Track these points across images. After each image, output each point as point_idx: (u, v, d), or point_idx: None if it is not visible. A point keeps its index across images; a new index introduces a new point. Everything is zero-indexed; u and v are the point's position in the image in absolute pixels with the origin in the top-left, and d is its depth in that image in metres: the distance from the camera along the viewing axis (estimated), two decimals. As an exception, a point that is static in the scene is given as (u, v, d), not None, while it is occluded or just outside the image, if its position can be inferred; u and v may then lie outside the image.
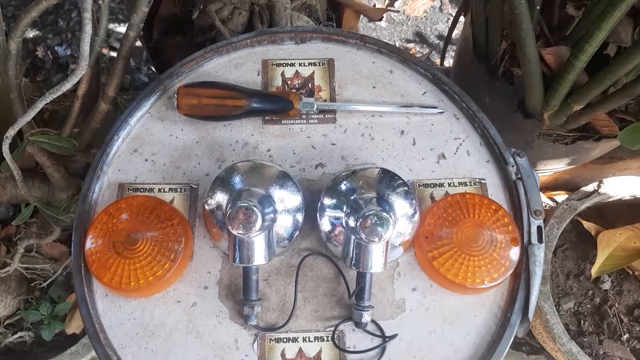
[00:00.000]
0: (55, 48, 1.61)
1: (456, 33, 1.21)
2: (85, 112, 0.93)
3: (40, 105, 0.64)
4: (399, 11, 1.54)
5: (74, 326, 0.90)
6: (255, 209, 0.48)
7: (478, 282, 0.52)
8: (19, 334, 0.90)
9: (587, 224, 0.96)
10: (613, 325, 0.93)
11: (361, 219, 0.48)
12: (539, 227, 0.56)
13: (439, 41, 1.57)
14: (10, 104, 0.81)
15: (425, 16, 1.59)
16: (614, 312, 0.94)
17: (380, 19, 1.58)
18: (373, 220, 0.48)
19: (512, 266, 0.52)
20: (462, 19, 0.96)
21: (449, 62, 1.42)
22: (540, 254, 0.55)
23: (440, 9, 1.60)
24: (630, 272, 0.95)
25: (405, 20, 1.59)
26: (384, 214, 0.48)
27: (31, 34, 1.62)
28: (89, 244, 0.53)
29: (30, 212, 0.67)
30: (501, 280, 0.52)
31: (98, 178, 0.58)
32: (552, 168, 0.95)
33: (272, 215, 0.52)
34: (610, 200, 0.97)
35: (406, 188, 0.54)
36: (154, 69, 0.95)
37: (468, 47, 0.88)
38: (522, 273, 0.54)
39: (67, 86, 0.63)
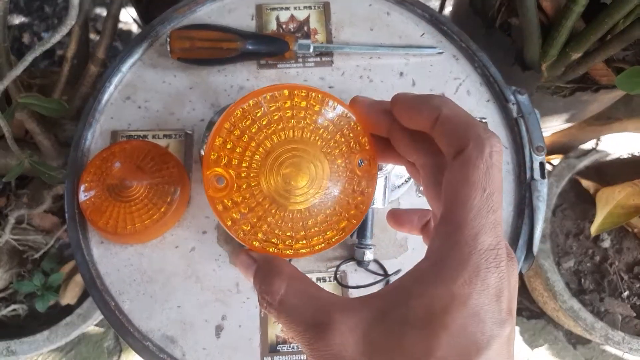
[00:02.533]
0: (42, 34, 1.58)
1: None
2: (75, 80, 0.91)
3: (29, 58, 0.62)
4: None
5: (69, 297, 0.88)
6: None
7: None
8: (12, 306, 0.88)
9: (585, 182, 0.95)
10: (613, 282, 0.93)
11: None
12: (541, 163, 0.55)
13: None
14: (-2, 68, 0.79)
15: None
16: (614, 269, 0.93)
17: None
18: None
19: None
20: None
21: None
22: (543, 190, 0.54)
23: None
24: (630, 230, 0.95)
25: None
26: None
27: (17, 20, 1.59)
28: (82, 189, 0.52)
29: (22, 169, 0.65)
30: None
31: (90, 125, 0.56)
32: (550, 125, 0.94)
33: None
34: (608, 158, 0.96)
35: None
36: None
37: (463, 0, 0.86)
38: (525, 209, 0.53)
39: (56, 37, 0.61)
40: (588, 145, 0.95)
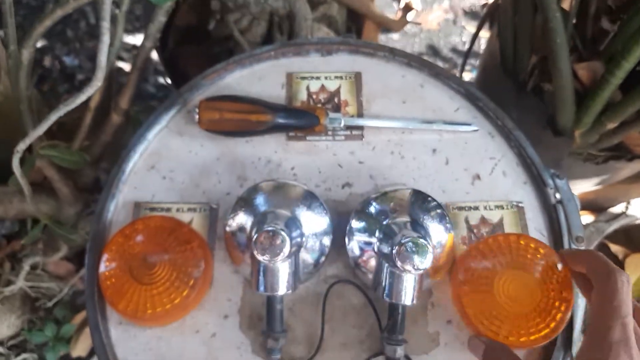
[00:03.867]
0: (63, 58, 1.59)
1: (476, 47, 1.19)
2: (94, 125, 0.90)
3: (53, 118, 0.61)
4: (420, 23, 1.52)
5: (80, 349, 0.86)
6: (282, 233, 0.45)
7: (523, 342, 0.47)
8: (23, 355, 0.86)
9: (614, 247, 0.92)
10: (642, 352, 0.89)
11: (397, 246, 0.44)
12: (582, 255, 0.52)
13: (452, 55, 1.54)
14: (20, 116, 0.78)
15: (438, 29, 1.57)
16: (643, 338, 0.89)
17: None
18: (410, 248, 0.44)
19: (558, 328, 0.47)
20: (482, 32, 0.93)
21: (466, 76, 1.39)
22: (584, 284, 0.51)
23: (454, 22, 1.58)
24: (660, 297, 0.91)
25: (418, 33, 1.56)
26: (422, 240, 0.44)
27: (39, 43, 1.60)
28: (103, 267, 0.50)
29: (40, 231, 0.63)
30: (545, 342, 0.47)
31: (113, 196, 0.55)
32: (579, 188, 0.92)
33: (299, 239, 0.49)
34: (638, 222, 0.93)
35: (441, 211, 0.50)
36: (169, 80, 0.92)
37: (494, 61, 0.85)
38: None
39: (82, 98, 0.60)
40: (617, 209, 0.93)
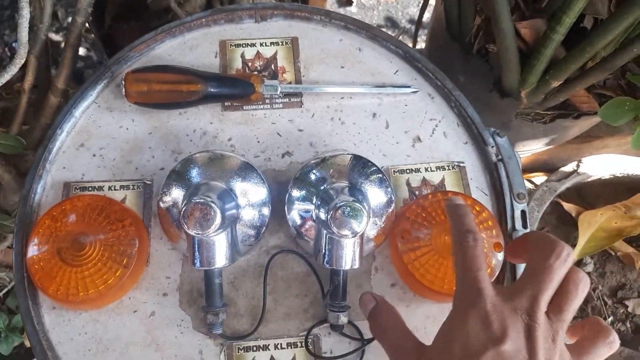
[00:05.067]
0: (13, 45, 1.52)
1: (427, 16, 1.17)
2: (35, 108, 0.86)
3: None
4: None
5: (33, 338, 0.83)
6: (212, 204, 0.43)
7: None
8: (-27, 349, 0.83)
9: (567, 206, 0.93)
10: (597, 308, 0.91)
11: (332, 211, 0.43)
12: (522, 212, 0.52)
13: (410, 25, 1.53)
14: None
15: (396, 1, 1.55)
16: (597, 294, 0.92)
17: (350, 3, 1.53)
18: (345, 212, 0.43)
19: (494, 273, 0.48)
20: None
21: (420, 45, 1.38)
22: (526, 240, 0.51)
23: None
24: (613, 253, 0.93)
25: (376, 5, 1.54)
26: (357, 204, 0.43)
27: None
28: (31, 251, 0.47)
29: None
30: None
31: (40, 177, 0.52)
32: (530, 149, 0.92)
33: (233, 211, 0.47)
34: (589, 180, 0.94)
35: (380, 175, 0.49)
36: (107, 57, 0.89)
37: (440, 26, 0.83)
38: (507, 261, 0.50)
39: (5, 77, 0.57)
40: (569, 167, 0.93)
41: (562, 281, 0.37)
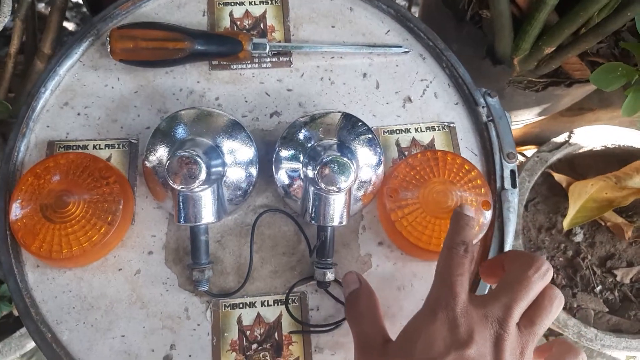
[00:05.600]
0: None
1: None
2: (22, 76, 0.84)
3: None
4: None
5: (21, 306, 0.83)
6: (197, 159, 0.42)
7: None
8: (-39, 317, 0.83)
9: (558, 176, 0.93)
10: (586, 277, 0.92)
11: (319, 166, 0.43)
12: (512, 171, 0.52)
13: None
14: None
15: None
16: (586, 264, 0.92)
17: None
18: (332, 167, 0.42)
19: (482, 231, 0.48)
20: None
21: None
22: (514, 200, 0.51)
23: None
24: (602, 224, 0.93)
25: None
26: (344, 159, 0.43)
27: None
28: (14, 209, 0.47)
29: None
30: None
31: (24, 135, 0.51)
32: (522, 119, 0.92)
33: (220, 168, 0.46)
34: (581, 151, 0.94)
35: (370, 135, 0.49)
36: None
37: (433, -9, 0.82)
38: (495, 220, 0.50)
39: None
40: (560, 138, 0.93)
41: (538, 295, 0.37)
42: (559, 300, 0.37)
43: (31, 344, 0.83)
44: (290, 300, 0.48)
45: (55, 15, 0.74)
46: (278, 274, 0.49)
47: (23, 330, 0.82)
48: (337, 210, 0.46)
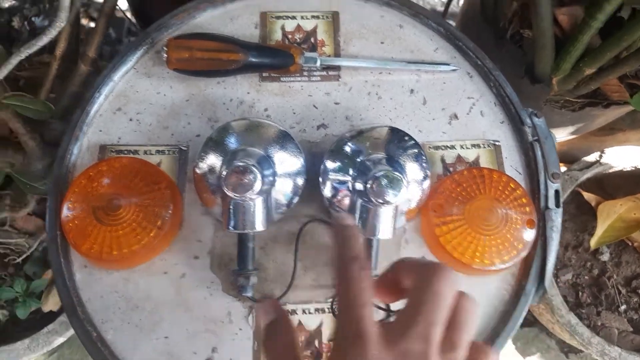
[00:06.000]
0: (32, 19, 1.52)
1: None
2: (63, 78, 0.86)
3: (14, 61, 0.58)
4: None
5: (51, 304, 0.84)
6: (253, 168, 0.43)
7: (487, 264, 0.48)
8: (-7, 311, 0.84)
9: (587, 195, 0.93)
10: (611, 296, 0.91)
11: (371, 180, 0.43)
12: (556, 191, 0.52)
13: (440, 8, 1.51)
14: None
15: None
16: (612, 283, 0.92)
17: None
18: (384, 181, 0.43)
19: (525, 249, 0.48)
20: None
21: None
22: (557, 219, 0.51)
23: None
24: (629, 244, 0.93)
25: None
26: (396, 174, 0.43)
27: (7, 3, 1.53)
28: (66, 210, 0.48)
29: (2, 179, 0.61)
30: (511, 264, 0.48)
31: (77, 139, 0.52)
32: (555, 136, 0.92)
33: (271, 177, 0.47)
34: (611, 171, 0.94)
35: (417, 149, 0.49)
36: (137, 27, 0.88)
37: (473, 9, 0.83)
38: (538, 239, 0.50)
39: (43, 40, 0.57)
40: (591, 157, 0.93)
41: (453, 310, 0.32)
42: (473, 309, 0.33)
43: (58, 341, 0.84)
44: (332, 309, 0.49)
45: (103, 20, 0.76)
46: (320, 284, 0.50)
47: (51, 326, 0.83)
48: (384, 224, 0.46)
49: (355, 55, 0.57)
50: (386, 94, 0.55)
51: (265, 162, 0.47)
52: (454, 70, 0.56)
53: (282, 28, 0.57)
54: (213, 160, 0.49)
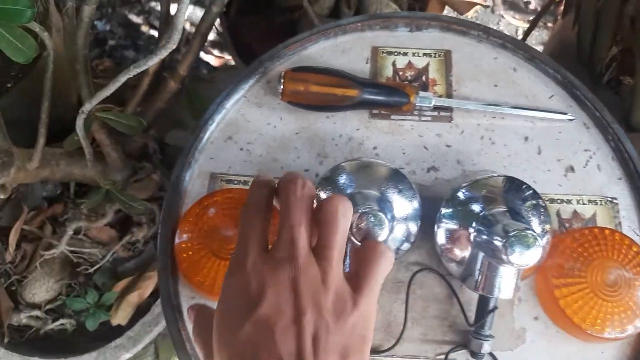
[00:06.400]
0: (95, 23, 1.55)
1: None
2: (147, 91, 0.87)
3: (122, 79, 0.58)
4: (489, 5, 1.46)
5: (120, 317, 0.84)
6: (380, 214, 0.42)
7: (607, 332, 0.45)
8: (60, 320, 0.85)
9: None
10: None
11: (505, 239, 0.42)
12: (679, 257, 0.50)
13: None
14: (74, 76, 0.75)
15: (475, 16, 1.52)
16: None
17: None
18: (519, 240, 0.41)
19: None
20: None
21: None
22: (682, 289, 0.48)
23: (492, 10, 1.53)
24: None
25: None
26: (530, 232, 0.42)
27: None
28: (179, 239, 0.48)
29: (102, 198, 0.61)
30: (632, 332, 0.45)
31: (189, 165, 0.52)
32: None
33: (392, 223, 0.46)
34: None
35: (538, 200, 0.47)
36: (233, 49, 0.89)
37: (566, 50, 0.81)
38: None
39: (155, 60, 0.57)
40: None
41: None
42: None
43: (125, 357, 0.84)
44: (442, 366, 0.47)
45: (198, 40, 0.76)
46: (428, 338, 0.48)
47: (118, 341, 0.83)
48: (506, 283, 0.44)
49: (467, 96, 0.55)
50: (499, 139, 0.54)
51: (384, 204, 0.46)
52: (570, 119, 0.54)
53: (394, 64, 0.57)
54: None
